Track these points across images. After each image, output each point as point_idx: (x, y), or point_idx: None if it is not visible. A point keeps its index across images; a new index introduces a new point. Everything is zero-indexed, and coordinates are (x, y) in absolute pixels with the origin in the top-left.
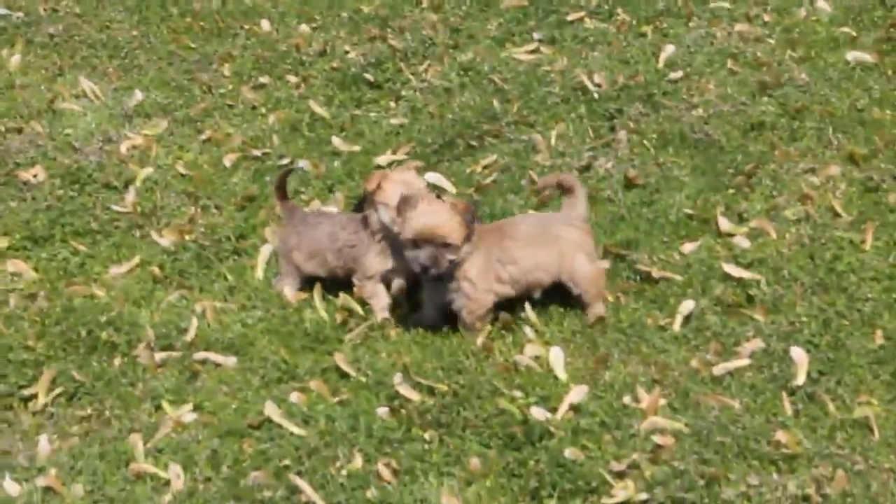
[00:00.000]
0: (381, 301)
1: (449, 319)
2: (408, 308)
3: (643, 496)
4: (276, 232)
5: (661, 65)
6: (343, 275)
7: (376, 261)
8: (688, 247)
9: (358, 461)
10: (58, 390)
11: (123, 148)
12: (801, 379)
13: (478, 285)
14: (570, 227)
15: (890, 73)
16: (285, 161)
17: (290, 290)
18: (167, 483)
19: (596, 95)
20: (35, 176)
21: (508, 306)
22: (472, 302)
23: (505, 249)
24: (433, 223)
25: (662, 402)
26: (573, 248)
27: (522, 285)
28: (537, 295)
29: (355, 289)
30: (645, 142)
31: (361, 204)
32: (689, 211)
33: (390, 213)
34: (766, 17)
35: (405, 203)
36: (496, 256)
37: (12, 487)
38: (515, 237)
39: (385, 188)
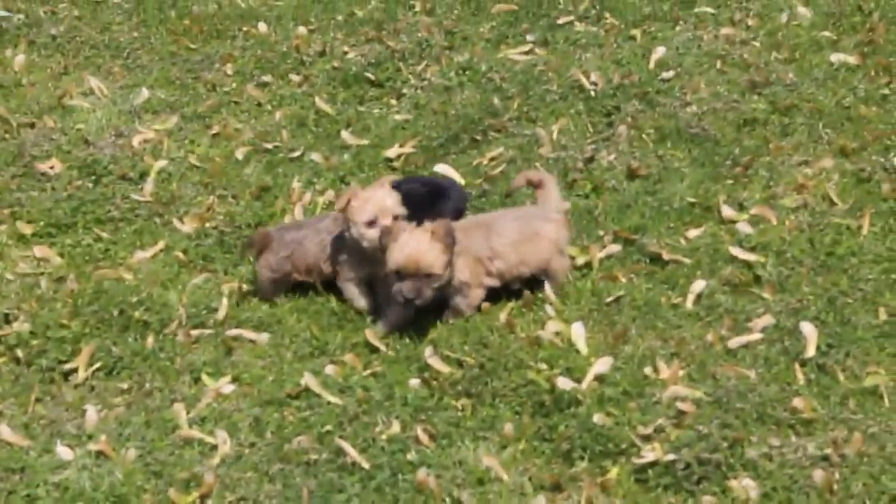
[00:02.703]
0: (359, 302)
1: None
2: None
3: (671, 457)
4: (261, 264)
5: (652, 65)
6: (334, 277)
7: (353, 269)
8: (693, 232)
9: (396, 427)
10: (97, 365)
11: (136, 142)
12: (811, 351)
13: (472, 283)
14: (549, 221)
15: (872, 73)
16: (296, 154)
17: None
18: (214, 448)
19: (593, 93)
20: (52, 168)
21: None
22: (469, 299)
23: (492, 245)
24: (416, 255)
25: (681, 373)
26: (552, 244)
27: (507, 278)
28: (517, 286)
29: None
30: (644, 136)
31: None
32: (692, 199)
33: (360, 229)
34: (750, 22)
35: (386, 234)
36: (484, 253)
37: (64, 452)
38: (501, 234)
39: (354, 205)
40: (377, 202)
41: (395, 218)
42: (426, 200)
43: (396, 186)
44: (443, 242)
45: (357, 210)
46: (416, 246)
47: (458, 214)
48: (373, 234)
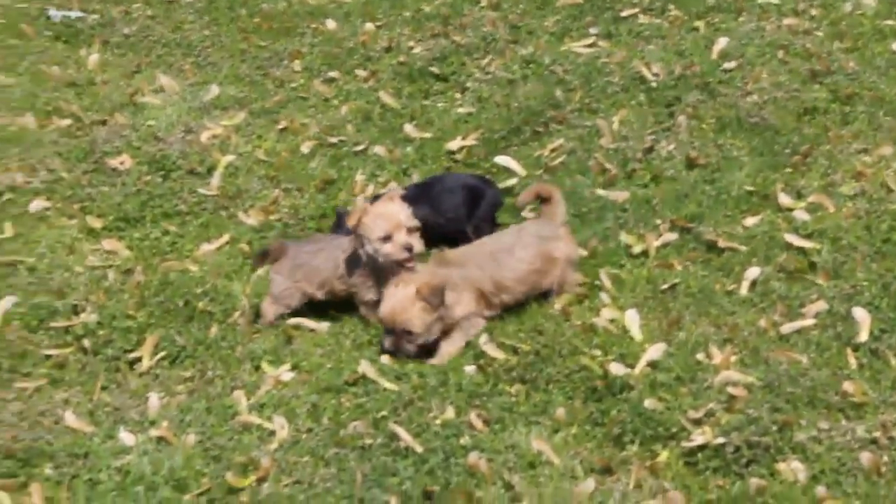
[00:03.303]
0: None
1: None
2: None
3: (720, 440)
4: (273, 273)
5: (715, 56)
6: (347, 297)
7: (370, 291)
8: (750, 220)
9: (450, 412)
10: (161, 354)
11: (204, 137)
12: (863, 336)
13: (477, 312)
14: (560, 239)
15: None
16: (360, 147)
17: (272, 313)
18: (272, 433)
19: (654, 84)
20: (122, 163)
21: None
22: (475, 329)
23: (499, 280)
24: (395, 311)
25: (734, 358)
26: (567, 262)
27: (511, 305)
28: None
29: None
30: (704, 126)
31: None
32: (750, 188)
33: (374, 245)
34: (814, 12)
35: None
36: (489, 287)
37: (127, 438)
38: (513, 267)
39: (366, 222)
40: (390, 217)
41: (409, 231)
42: (465, 200)
43: (429, 185)
44: (427, 301)
45: (370, 227)
46: (398, 302)
47: (492, 213)
48: (388, 249)
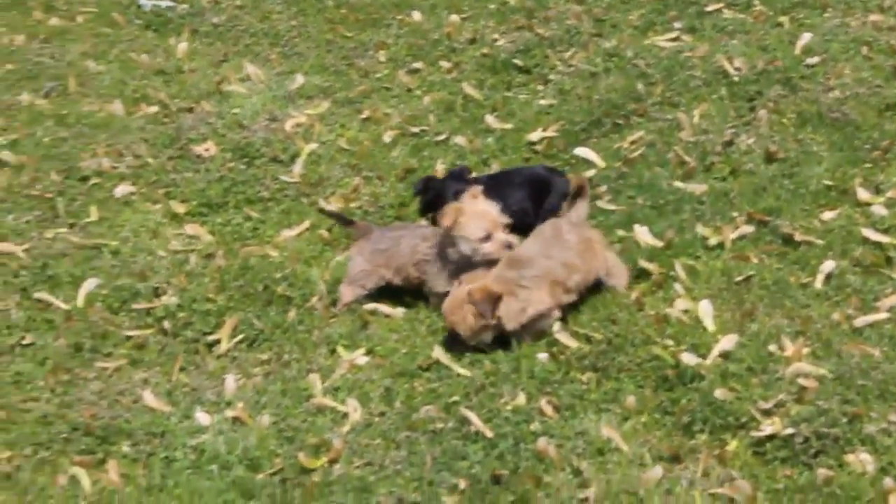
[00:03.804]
0: None
1: None
2: None
3: (789, 431)
4: (354, 253)
5: (798, 51)
6: (419, 284)
7: (443, 284)
8: (827, 214)
9: (521, 398)
10: (239, 337)
11: (288, 126)
12: None
13: (552, 309)
14: (591, 227)
15: None
16: (442, 137)
17: (350, 294)
18: (345, 416)
19: (736, 79)
20: (207, 150)
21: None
22: (551, 319)
23: (566, 261)
24: (446, 310)
25: (806, 350)
26: (602, 247)
27: (582, 289)
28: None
29: None
30: (784, 121)
31: (427, 210)
32: (828, 182)
33: (473, 244)
34: None
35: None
36: (562, 273)
37: (203, 418)
38: (571, 247)
39: (463, 222)
40: (487, 216)
41: (504, 228)
42: (530, 194)
43: (499, 178)
44: (476, 307)
45: (469, 227)
46: (451, 301)
47: (561, 203)
48: (489, 248)
